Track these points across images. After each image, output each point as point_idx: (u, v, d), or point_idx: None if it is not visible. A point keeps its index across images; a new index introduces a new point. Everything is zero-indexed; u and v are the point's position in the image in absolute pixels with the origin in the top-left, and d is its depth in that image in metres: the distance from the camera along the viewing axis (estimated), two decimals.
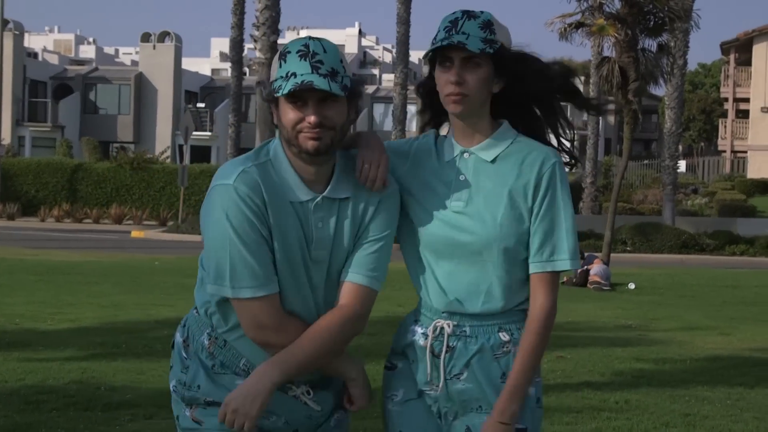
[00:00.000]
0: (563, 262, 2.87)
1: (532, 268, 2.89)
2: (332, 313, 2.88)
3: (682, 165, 54.67)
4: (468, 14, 2.88)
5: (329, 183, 2.90)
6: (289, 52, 2.82)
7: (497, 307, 2.91)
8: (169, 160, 44.83)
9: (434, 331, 2.94)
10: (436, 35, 2.88)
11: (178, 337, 3.04)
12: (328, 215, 2.89)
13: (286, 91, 2.77)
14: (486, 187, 2.91)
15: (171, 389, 3.01)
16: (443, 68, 2.88)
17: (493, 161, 2.92)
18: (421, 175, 2.98)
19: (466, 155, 2.95)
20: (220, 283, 2.82)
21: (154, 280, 16.05)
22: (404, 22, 33.65)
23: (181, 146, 38.11)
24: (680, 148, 41.92)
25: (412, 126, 56.51)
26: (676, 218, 31.68)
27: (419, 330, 2.98)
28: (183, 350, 3.00)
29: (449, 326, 2.92)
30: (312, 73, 2.78)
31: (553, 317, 2.88)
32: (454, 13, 2.90)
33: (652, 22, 20.43)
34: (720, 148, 58.08)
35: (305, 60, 2.80)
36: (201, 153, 51.36)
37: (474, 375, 2.92)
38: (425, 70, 3.01)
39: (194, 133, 42.58)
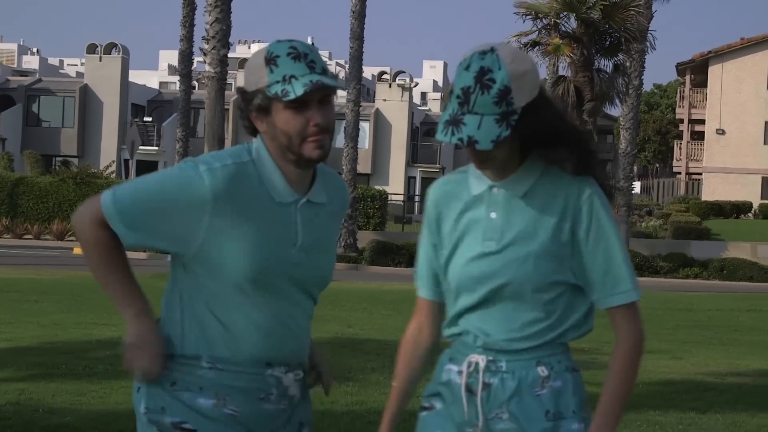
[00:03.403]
0: (628, 294, 2.79)
1: (601, 305, 2.82)
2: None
3: (637, 186, 55.28)
4: (481, 82, 2.65)
5: (310, 186, 2.90)
6: (278, 56, 2.77)
7: (534, 341, 2.82)
8: (114, 175, 44.46)
9: (468, 366, 2.84)
10: (450, 96, 2.70)
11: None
12: (310, 218, 2.89)
13: (300, 93, 2.72)
14: (518, 224, 2.79)
15: (142, 411, 2.88)
16: None
17: (524, 196, 2.80)
18: (454, 211, 2.88)
19: (494, 189, 2.82)
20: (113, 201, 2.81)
21: (96, 299, 15.88)
22: (358, 38, 33.72)
23: (126, 161, 37.85)
24: (635, 169, 42.35)
25: (365, 143, 56.59)
26: (630, 240, 31.99)
27: (455, 368, 2.88)
28: None
29: (483, 361, 2.83)
30: (311, 73, 2.76)
31: (640, 345, 2.81)
32: (468, 67, 2.66)
33: (608, 42, 20.71)
34: (675, 169, 58.81)
35: (300, 61, 2.77)
36: (147, 168, 51.00)
37: (515, 415, 2.82)
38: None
39: (141, 147, 42.34)
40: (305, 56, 2.78)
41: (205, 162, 2.79)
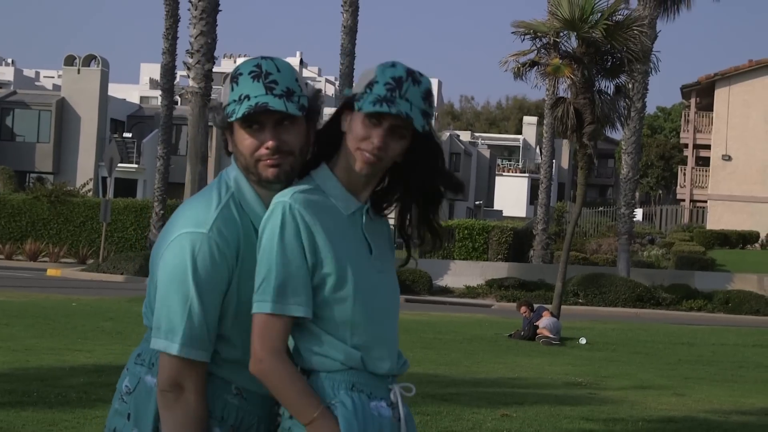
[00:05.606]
0: None
1: None
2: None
3: (639, 213, 55.37)
4: (412, 77, 2.85)
5: None
6: (241, 74, 2.85)
7: None
8: (91, 194, 44.44)
9: (394, 397, 2.90)
10: (373, 87, 2.82)
11: (150, 378, 2.89)
12: None
13: (240, 115, 2.80)
14: (380, 242, 2.98)
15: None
16: (367, 124, 2.83)
17: (377, 218, 3.00)
18: (341, 236, 2.88)
19: (364, 210, 2.94)
20: (171, 338, 2.79)
21: (70, 323, 15.86)
22: (349, 54, 33.82)
23: (104, 179, 37.89)
24: (637, 195, 42.50)
25: None
26: (631, 270, 32.02)
27: (382, 403, 2.86)
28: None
29: (397, 389, 2.92)
30: (266, 94, 2.81)
31: None
32: (394, 66, 2.86)
33: (609, 63, 20.76)
34: (679, 196, 58.93)
35: (258, 81, 2.83)
36: (126, 186, 51.00)
37: None
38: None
39: (119, 164, 42.32)
40: (267, 76, 2.83)
41: (197, 223, 2.82)
